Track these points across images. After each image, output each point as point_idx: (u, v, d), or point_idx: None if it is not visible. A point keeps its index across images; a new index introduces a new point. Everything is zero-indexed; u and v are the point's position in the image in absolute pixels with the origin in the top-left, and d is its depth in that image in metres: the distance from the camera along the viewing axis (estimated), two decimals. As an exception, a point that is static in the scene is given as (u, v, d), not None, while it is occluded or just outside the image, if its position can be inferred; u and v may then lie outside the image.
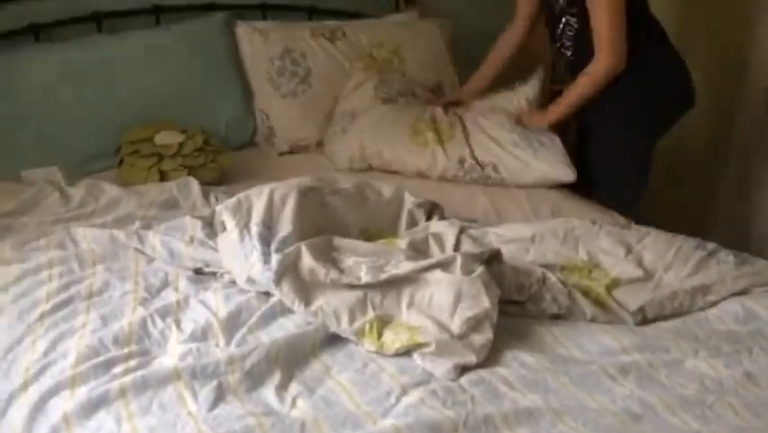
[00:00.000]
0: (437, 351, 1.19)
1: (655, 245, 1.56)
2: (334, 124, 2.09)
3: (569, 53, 2.05)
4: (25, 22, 2.00)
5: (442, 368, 1.17)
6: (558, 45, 2.06)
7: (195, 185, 1.81)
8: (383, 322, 1.27)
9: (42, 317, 1.28)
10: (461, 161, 1.93)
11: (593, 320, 1.36)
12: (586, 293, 1.39)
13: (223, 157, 1.91)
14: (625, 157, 2.01)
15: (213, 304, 1.33)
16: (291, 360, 1.19)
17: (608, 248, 1.54)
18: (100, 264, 1.45)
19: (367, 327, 1.25)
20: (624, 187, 2.02)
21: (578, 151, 2.08)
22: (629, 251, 1.54)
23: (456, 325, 1.24)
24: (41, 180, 1.82)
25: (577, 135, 2.17)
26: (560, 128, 2.05)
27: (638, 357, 1.25)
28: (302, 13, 2.36)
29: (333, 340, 1.25)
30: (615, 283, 1.43)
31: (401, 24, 2.42)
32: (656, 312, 1.39)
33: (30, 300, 1.34)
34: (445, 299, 1.28)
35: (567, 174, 1.90)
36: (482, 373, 1.18)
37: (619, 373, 1.20)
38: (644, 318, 1.37)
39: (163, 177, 1.83)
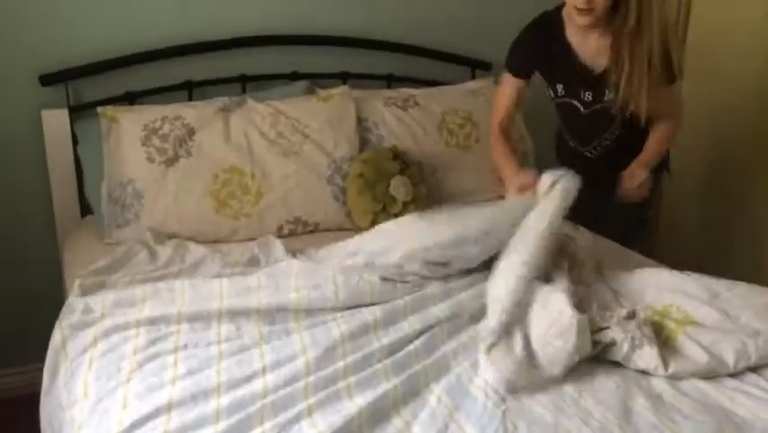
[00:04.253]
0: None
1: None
2: None
3: (595, 151, 2.06)
4: (122, 90, 2.14)
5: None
6: (592, 146, 2.06)
7: (277, 244, 1.86)
8: None
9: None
10: None
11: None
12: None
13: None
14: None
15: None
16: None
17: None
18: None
19: None
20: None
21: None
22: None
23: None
24: (131, 240, 1.90)
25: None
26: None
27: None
28: (381, 81, 2.44)
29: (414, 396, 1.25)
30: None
31: (474, 91, 2.46)
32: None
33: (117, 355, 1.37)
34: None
35: None
36: None
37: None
38: None
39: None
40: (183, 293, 1.55)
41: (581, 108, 2.00)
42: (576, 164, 1.92)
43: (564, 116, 2.09)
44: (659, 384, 1.31)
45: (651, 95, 1.81)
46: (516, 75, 2.00)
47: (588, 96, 1.96)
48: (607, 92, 1.91)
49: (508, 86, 2.02)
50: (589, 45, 1.89)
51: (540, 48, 1.94)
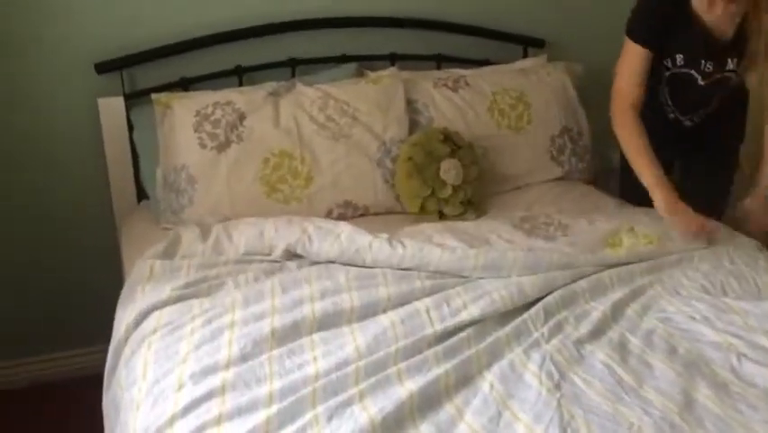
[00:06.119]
0: None
1: None
2: None
3: (697, 118, 2.05)
4: (174, 77, 2.17)
5: None
6: (696, 114, 2.05)
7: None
8: None
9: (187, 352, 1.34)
10: None
11: None
12: None
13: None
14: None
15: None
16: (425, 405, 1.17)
17: None
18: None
19: None
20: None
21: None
22: None
23: None
24: (178, 226, 1.92)
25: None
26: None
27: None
28: (431, 62, 2.40)
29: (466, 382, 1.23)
30: None
31: (526, 70, 2.40)
32: None
33: (175, 337, 1.40)
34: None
35: None
36: None
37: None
38: None
39: (441, 215, 2.02)
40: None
41: (699, 79, 1.95)
42: (667, 133, 1.96)
43: (675, 87, 2.02)
44: (723, 373, 1.25)
45: None
46: (645, 45, 1.91)
47: (708, 66, 1.92)
48: (729, 62, 1.90)
49: (638, 57, 1.91)
50: (715, 14, 1.85)
51: (666, 16, 1.89)
